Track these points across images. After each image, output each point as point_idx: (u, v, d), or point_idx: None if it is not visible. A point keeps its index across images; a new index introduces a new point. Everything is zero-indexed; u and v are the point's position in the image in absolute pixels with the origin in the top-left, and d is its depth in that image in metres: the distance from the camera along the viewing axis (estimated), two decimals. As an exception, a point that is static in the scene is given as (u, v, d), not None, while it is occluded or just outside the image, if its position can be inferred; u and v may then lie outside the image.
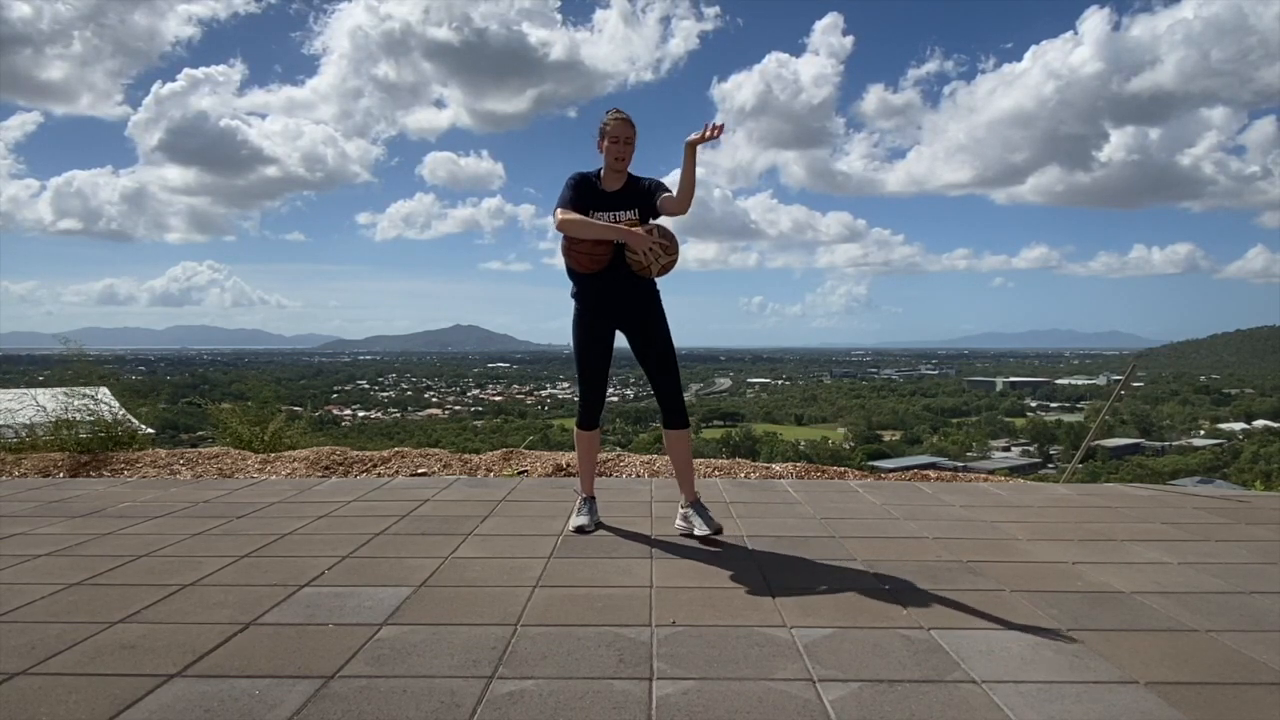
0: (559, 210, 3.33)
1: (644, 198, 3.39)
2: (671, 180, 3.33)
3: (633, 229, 3.27)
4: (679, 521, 3.53)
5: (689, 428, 3.52)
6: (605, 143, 3.37)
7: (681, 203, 3.23)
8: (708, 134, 3.12)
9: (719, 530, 3.36)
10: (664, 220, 3.42)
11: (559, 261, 3.47)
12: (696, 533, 3.39)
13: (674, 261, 3.35)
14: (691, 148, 3.14)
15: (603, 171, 3.43)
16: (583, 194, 3.37)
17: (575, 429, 3.69)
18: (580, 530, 3.56)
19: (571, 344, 3.55)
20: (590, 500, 3.73)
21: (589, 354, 3.53)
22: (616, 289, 3.41)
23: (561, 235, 3.38)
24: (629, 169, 3.44)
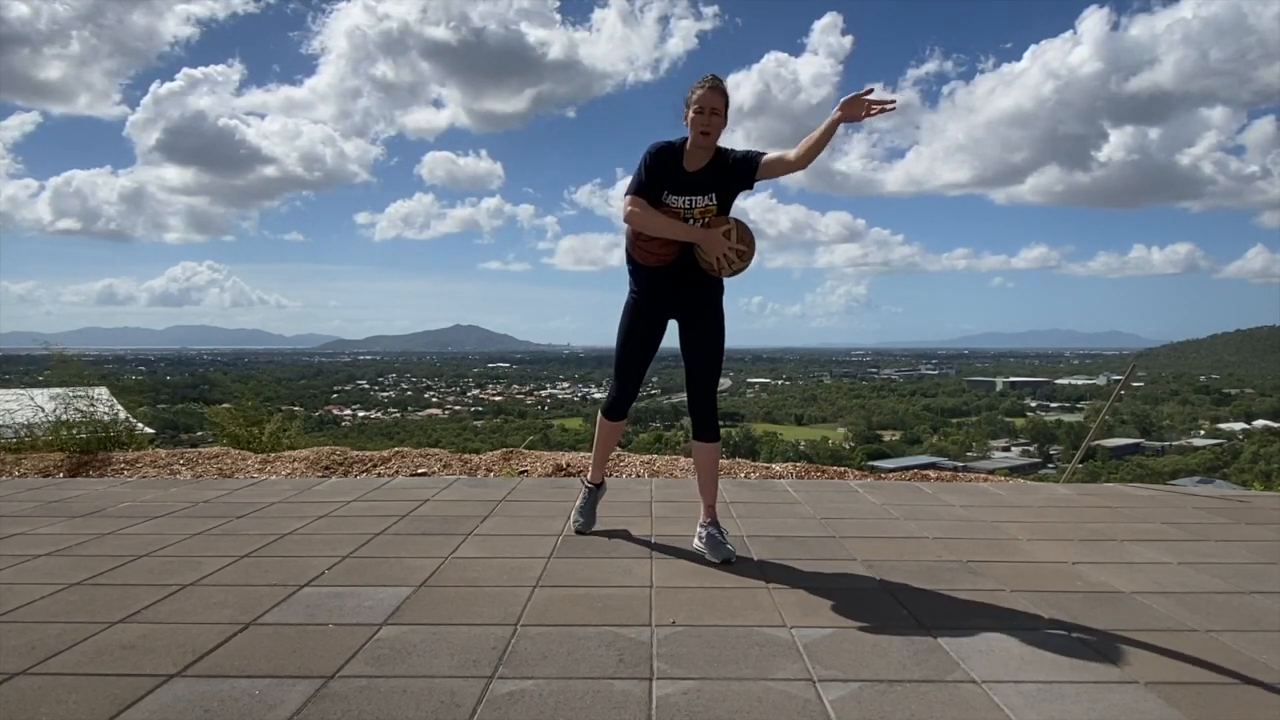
0: (628, 198, 3.08)
1: (728, 178, 3.12)
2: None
3: (709, 231, 3.04)
4: (695, 543, 3.28)
5: (719, 441, 3.30)
6: (690, 113, 3.06)
7: (798, 163, 3.02)
8: (869, 106, 2.87)
9: (728, 561, 3.10)
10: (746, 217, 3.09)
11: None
12: (708, 558, 3.14)
13: (747, 266, 3.09)
14: (836, 124, 2.92)
15: (688, 143, 3.12)
16: (659, 174, 3.08)
17: (600, 415, 3.52)
18: (579, 531, 3.55)
19: (618, 329, 3.33)
20: (594, 491, 3.64)
21: (636, 343, 3.31)
22: (679, 281, 3.18)
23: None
24: (718, 142, 3.14)
